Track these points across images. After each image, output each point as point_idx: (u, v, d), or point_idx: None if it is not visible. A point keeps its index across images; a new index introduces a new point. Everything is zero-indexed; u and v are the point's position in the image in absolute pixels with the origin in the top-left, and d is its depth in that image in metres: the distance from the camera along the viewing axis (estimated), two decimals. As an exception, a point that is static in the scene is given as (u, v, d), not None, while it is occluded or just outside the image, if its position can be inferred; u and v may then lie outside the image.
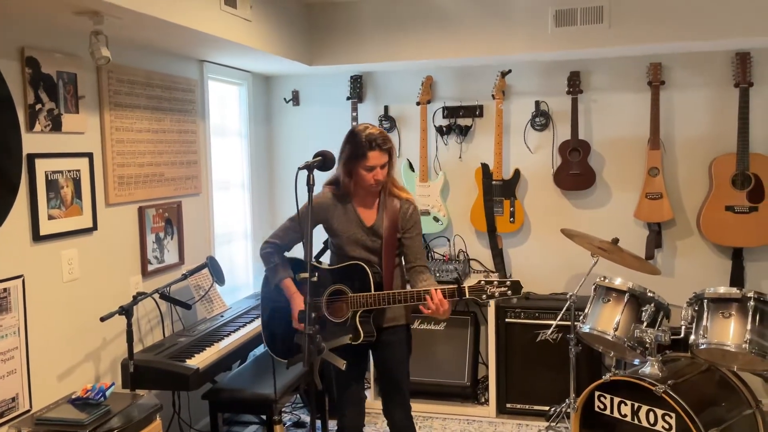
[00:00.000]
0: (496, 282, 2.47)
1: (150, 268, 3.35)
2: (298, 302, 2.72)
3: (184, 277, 3.35)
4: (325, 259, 2.98)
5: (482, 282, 2.49)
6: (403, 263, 2.81)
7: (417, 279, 2.73)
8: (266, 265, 2.83)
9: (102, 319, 2.68)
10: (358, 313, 2.64)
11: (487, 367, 4.15)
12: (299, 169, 2.27)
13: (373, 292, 2.62)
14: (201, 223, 3.83)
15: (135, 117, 3.22)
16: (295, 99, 4.63)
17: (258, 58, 3.82)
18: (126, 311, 2.79)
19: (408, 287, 2.76)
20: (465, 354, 4.13)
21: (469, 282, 2.53)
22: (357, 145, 2.64)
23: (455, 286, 2.50)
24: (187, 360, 2.88)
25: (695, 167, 3.99)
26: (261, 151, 4.60)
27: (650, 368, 2.98)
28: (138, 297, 2.89)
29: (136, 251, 3.27)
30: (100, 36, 2.52)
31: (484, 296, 2.47)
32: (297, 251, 2.67)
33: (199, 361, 2.89)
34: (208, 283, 3.54)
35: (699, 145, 3.97)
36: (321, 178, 2.55)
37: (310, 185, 2.24)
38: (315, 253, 3.10)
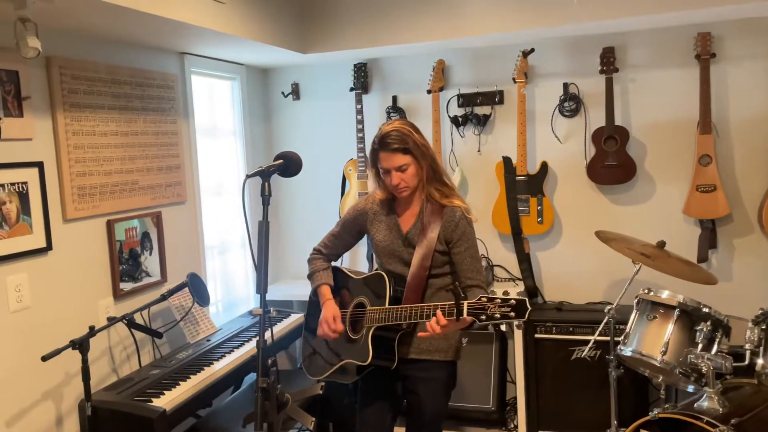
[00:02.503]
0: (499, 300, 2.00)
1: (125, 289, 2.97)
2: (329, 309, 2.39)
3: (163, 298, 2.97)
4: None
5: (484, 299, 2.01)
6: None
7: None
8: (308, 272, 2.58)
9: (44, 359, 2.28)
10: (372, 330, 2.26)
11: (515, 387, 3.66)
12: (248, 176, 1.83)
13: (386, 306, 2.25)
14: (188, 235, 3.44)
15: (98, 119, 2.82)
16: (296, 92, 4.19)
17: (245, 48, 3.39)
18: (80, 345, 2.39)
19: None
20: (489, 374, 3.65)
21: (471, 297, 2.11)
22: (372, 144, 2.34)
23: (452, 303, 2.04)
24: (153, 399, 2.47)
25: (754, 153, 3.42)
26: (259, 150, 4.18)
27: (708, 402, 2.45)
28: (95, 328, 2.48)
29: (106, 271, 2.88)
30: (28, 24, 2.13)
31: (484, 317, 2.00)
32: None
33: (168, 400, 2.48)
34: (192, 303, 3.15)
35: (758, 128, 3.39)
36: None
37: (266, 196, 1.79)
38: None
